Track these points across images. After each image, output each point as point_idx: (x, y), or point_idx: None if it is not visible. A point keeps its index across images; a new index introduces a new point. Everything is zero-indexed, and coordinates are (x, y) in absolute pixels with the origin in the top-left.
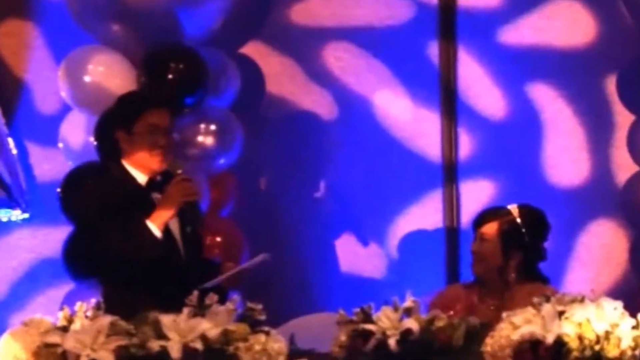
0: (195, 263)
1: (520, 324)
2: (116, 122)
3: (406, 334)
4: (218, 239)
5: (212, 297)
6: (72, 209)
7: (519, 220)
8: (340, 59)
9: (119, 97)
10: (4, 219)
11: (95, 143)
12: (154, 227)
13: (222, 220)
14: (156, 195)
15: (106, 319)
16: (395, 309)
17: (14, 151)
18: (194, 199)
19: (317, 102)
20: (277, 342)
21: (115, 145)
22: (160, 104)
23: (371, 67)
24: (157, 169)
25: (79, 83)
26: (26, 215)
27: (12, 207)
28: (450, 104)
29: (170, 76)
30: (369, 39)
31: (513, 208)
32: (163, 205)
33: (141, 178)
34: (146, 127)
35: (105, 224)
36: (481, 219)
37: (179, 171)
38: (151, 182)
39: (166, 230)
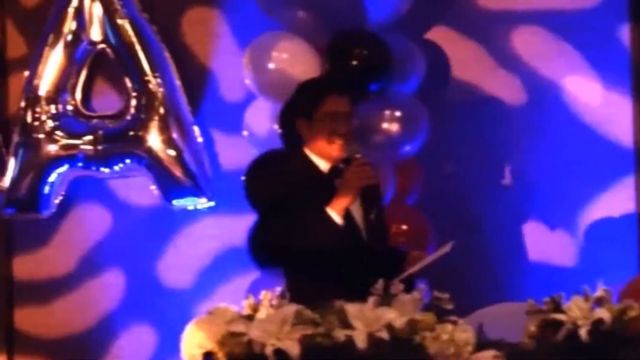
0: (379, 251)
1: None
2: (297, 110)
3: (597, 324)
4: (404, 227)
5: (398, 286)
6: (255, 198)
7: None
8: (529, 43)
9: (299, 84)
10: (190, 208)
11: (278, 131)
12: (334, 214)
13: (407, 208)
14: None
15: (291, 308)
16: (586, 299)
17: (200, 139)
18: (372, 183)
19: (504, 87)
20: (465, 332)
21: (297, 133)
22: (340, 89)
23: (561, 51)
24: (337, 156)
25: (263, 70)
26: (212, 204)
27: (198, 196)
28: None
29: (354, 62)
30: (559, 23)
31: None
32: (342, 191)
33: (323, 166)
34: (326, 114)
35: (287, 212)
36: None
37: (358, 155)
38: (334, 169)
39: (348, 217)
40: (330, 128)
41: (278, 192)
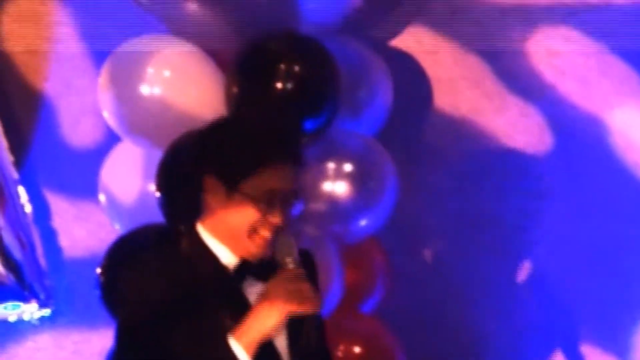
0: None
1: None
2: (211, 170)
3: None
4: (357, 350)
5: None
6: (115, 307)
7: None
8: (557, 55)
9: (216, 127)
10: (12, 319)
11: (160, 196)
12: (240, 349)
13: (363, 318)
14: (250, 287)
15: None
16: None
17: (28, 208)
18: (310, 312)
19: (518, 123)
20: None
21: (196, 203)
22: (288, 156)
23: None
24: (257, 254)
25: (133, 98)
26: (47, 312)
27: (24, 300)
28: None
29: (277, 84)
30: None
31: None
32: (259, 311)
33: (227, 258)
34: (259, 190)
35: (163, 331)
36: None
37: (289, 259)
38: (244, 266)
39: (266, 354)
40: (261, 212)
41: (151, 300)
